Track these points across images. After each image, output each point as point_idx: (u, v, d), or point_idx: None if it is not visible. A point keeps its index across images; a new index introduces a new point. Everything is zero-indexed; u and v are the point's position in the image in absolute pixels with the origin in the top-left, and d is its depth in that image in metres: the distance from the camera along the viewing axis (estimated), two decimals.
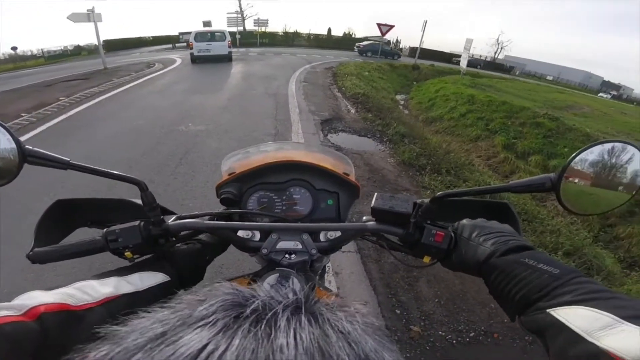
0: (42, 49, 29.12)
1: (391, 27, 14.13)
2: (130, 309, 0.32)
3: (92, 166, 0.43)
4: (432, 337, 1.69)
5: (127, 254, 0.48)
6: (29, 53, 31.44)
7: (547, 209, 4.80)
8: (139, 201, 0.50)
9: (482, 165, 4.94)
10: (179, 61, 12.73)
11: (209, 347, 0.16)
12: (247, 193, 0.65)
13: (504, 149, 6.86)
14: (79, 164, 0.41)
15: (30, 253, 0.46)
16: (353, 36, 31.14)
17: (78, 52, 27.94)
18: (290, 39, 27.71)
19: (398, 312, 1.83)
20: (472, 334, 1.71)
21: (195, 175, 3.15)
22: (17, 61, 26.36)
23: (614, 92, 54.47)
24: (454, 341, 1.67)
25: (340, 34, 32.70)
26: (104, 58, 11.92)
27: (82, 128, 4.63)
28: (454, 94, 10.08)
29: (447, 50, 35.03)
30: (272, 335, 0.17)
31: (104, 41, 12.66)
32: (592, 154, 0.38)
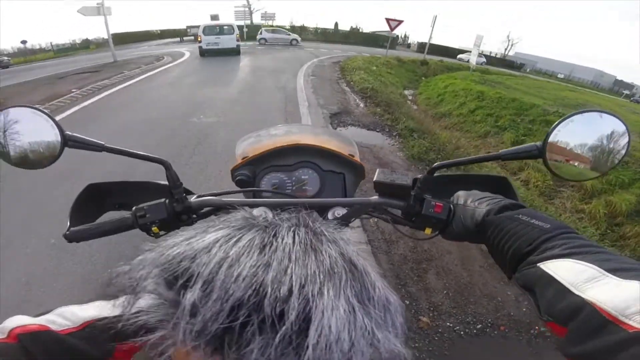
0: (50, 43, 29.52)
1: (400, 22, 13.84)
2: (114, 333, 0.31)
3: (124, 148, 0.46)
4: (441, 327, 1.72)
5: (154, 228, 0.51)
6: (38, 47, 31.86)
7: (554, 205, 4.80)
8: (163, 182, 0.55)
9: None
10: (187, 54, 12.80)
11: (228, 236, 0.22)
12: (260, 175, 0.69)
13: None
14: (113, 146, 0.45)
15: (67, 232, 0.50)
16: (360, 30, 30.85)
17: (86, 45, 28.24)
18: (297, 33, 27.56)
19: (407, 302, 1.85)
20: (479, 326, 1.74)
21: (209, 164, 3.23)
22: (27, 54, 26.80)
23: (627, 92, 53.51)
24: (462, 332, 1.70)
25: (348, 29, 32.42)
26: (114, 51, 12.01)
27: (96, 120, 4.73)
28: (464, 90, 9.96)
29: (456, 46, 34.58)
30: (276, 233, 0.22)
31: (112, 35, 12.76)
32: (574, 123, 0.39)
